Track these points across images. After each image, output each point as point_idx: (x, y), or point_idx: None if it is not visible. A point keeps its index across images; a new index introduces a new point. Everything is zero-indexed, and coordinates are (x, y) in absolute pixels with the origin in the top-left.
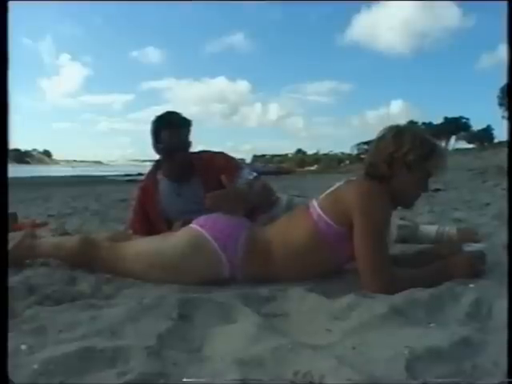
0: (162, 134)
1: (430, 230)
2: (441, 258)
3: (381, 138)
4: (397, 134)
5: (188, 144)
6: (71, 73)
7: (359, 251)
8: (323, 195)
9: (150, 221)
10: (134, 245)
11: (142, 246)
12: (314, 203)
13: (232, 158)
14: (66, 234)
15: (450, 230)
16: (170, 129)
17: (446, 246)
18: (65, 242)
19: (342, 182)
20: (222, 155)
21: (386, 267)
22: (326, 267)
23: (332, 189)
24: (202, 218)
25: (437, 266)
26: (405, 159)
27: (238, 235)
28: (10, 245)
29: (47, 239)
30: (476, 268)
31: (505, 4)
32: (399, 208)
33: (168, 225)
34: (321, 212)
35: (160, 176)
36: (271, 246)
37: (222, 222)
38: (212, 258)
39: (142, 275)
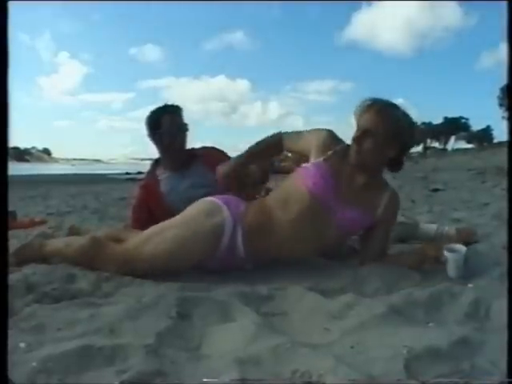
0: (163, 120)
1: (430, 228)
2: (427, 258)
3: None
4: None
5: (186, 126)
6: (70, 71)
7: None
8: None
9: (155, 218)
10: (142, 233)
11: (150, 231)
12: None
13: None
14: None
15: (450, 229)
16: (169, 114)
17: (433, 246)
18: (74, 241)
19: None
20: (215, 149)
21: None
22: (311, 210)
23: None
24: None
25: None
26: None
27: (239, 200)
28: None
29: (57, 239)
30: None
31: (505, 4)
32: (400, 208)
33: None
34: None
35: (160, 171)
36: (267, 207)
37: (228, 196)
38: (216, 211)
39: (150, 259)
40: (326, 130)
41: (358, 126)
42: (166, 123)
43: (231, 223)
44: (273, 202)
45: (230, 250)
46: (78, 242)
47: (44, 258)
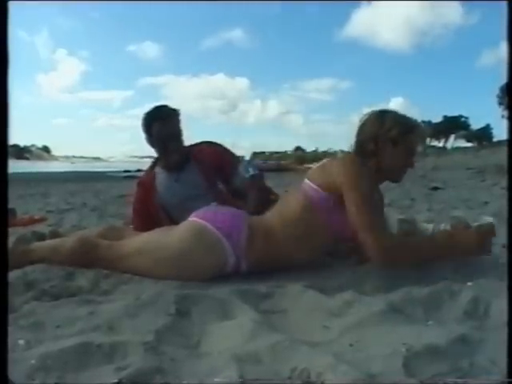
0: (153, 127)
1: (428, 226)
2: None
3: (365, 120)
4: (379, 115)
5: (179, 133)
6: (68, 68)
7: (356, 220)
8: (312, 169)
9: (151, 216)
10: (135, 242)
11: (144, 243)
12: (305, 179)
13: (228, 151)
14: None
15: (446, 226)
16: (159, 121)
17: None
18: (62, 244)
19: (329, 158)
20: (220, 147)
21: (384, 229)
22: (323, 238)
23: (320, 163)
24: (201, 211)
25: (441, 237)
26: (389, 134)
27: (240, 223)
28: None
29: (42, 243)
30: (486, 242)
31: (505, 4)
32: (399, 206)
33: (170, 219)
34: (309, 181)
35: (158, 169)
36: (271, 229)
37: (222, 213)
38: (217, 247)
39: (146, 272)
40: (353, 165)
41: (400, 141)
42: (156, 131)
43: (233, 258)
44: (284, 235)
45: (232, 272)
46: (66, 244)
47: (31, 264)
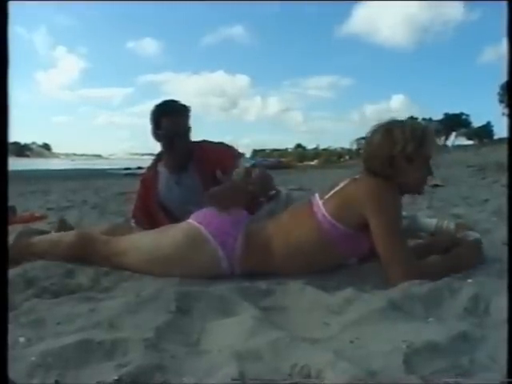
0: (162, 122)
1: (430, 221)
2: (441, 248)
3: (371, 138)
4: (386, 133)
5: (188, 130)
6: (68, 66)
7: (384, 249)
8: (328, 195)
9: (151, 214)
10: (132, 239)
11: (140, 241)
12: (318, 202)
13: (231, 148)
14: (65, 227)
15: (449, 224)
16: (170, 116)
17: (446, 237)
18: (62, 238)
19: (346, 181)
20: (221, 146)
21: (412, 260)
22: (328, 264)
23: (337, 188)
24: (200, 213)
25: (453, 255)
26: (404, 153)
27: (237, 232)
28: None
29: (43, 237)
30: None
31: (505, 4)
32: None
33: (169, 217)
34: (326, 213)
35: (161, 168)
36: (271, 243)
37: (221, 219)
38: (210, 255)
39: (140, 269)
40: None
41: (415, 156)
42: (165, 126)
43: (227, 265)
44: (287, 253)
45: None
46: (65, 239)
47: (33, 258)
